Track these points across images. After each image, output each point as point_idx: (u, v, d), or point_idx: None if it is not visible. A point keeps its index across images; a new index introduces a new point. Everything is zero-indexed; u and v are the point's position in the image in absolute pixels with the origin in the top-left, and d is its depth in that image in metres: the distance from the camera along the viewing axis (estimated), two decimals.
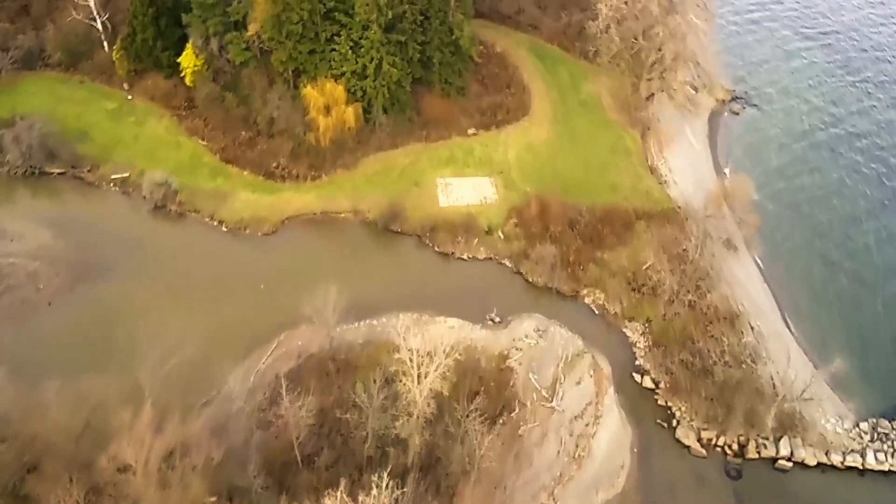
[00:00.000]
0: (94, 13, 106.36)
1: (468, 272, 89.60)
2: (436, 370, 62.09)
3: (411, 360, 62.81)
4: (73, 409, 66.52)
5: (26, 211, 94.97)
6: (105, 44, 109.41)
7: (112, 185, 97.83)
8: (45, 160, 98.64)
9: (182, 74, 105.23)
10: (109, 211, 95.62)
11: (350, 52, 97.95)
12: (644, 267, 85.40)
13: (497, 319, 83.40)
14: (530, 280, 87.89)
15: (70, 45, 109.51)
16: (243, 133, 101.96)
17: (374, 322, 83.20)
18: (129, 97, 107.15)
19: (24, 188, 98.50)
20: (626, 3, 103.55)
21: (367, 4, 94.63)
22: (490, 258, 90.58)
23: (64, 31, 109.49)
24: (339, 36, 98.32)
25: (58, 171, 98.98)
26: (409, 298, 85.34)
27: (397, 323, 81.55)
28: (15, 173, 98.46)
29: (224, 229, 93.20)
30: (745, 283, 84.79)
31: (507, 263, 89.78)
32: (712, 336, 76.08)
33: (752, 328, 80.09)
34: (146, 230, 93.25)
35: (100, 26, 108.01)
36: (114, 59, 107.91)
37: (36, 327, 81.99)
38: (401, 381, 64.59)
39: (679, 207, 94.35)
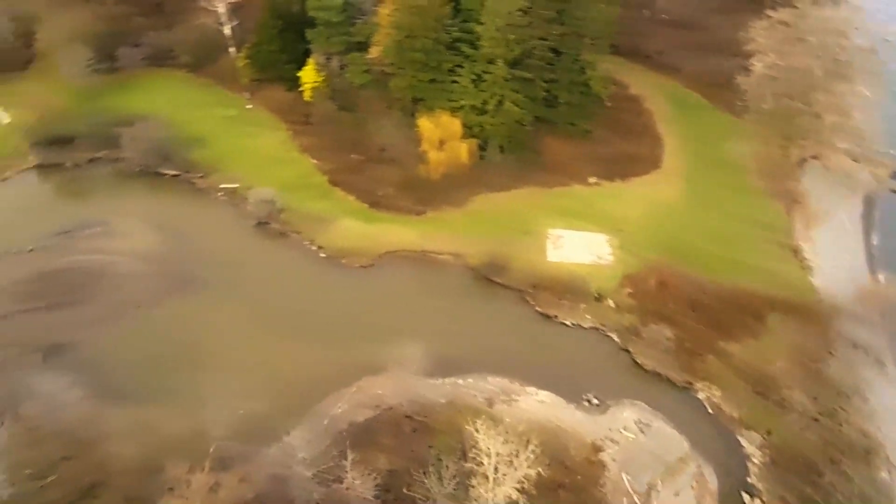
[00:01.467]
0: (224, 19, 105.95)
1: (569, 340, 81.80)
2: (515, 480, 55.41)
3: (488, 461, 56.47)
4: (137, 439, 64.57)
5: (136, 209, 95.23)
6: (231, 50, 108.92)
7: (220, 194, 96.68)
8: (160, 162, 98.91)
9: (302, 89, 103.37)
10: (214, 221, 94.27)
11: (471, 85, 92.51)
12: (773, 369, 75.24)
13: (595, 402, 75.52)
14: (638, 361, 79.05)
15: (198, 48, 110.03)
16: (354, 156, 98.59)
17: (460, 381, 77.22)
18: (249, 106, 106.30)
19: (137, 186, 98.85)
20: (784, 60, 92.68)
21: (494, 38, 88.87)
22: (596, 328, 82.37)
23: (193, 33, 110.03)
24: (461, 68, 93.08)
25: (172, 173, 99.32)
26: (501, 360, 78.70)
27: (484, 387, 76.45)
28: (131, 171, 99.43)
29: (322, 255, 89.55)
30: (890, 411, 73.10)
31: (615, 338, 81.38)
32: (843, 470, 65.27)
33: (891, 468, 68.58)
34: (245, 247, 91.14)
35: (228, 32, 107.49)
36: (238, 66, 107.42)
37: (122, 334, 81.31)
38: (474, 480, 58.34)
39: (822, 301, 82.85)
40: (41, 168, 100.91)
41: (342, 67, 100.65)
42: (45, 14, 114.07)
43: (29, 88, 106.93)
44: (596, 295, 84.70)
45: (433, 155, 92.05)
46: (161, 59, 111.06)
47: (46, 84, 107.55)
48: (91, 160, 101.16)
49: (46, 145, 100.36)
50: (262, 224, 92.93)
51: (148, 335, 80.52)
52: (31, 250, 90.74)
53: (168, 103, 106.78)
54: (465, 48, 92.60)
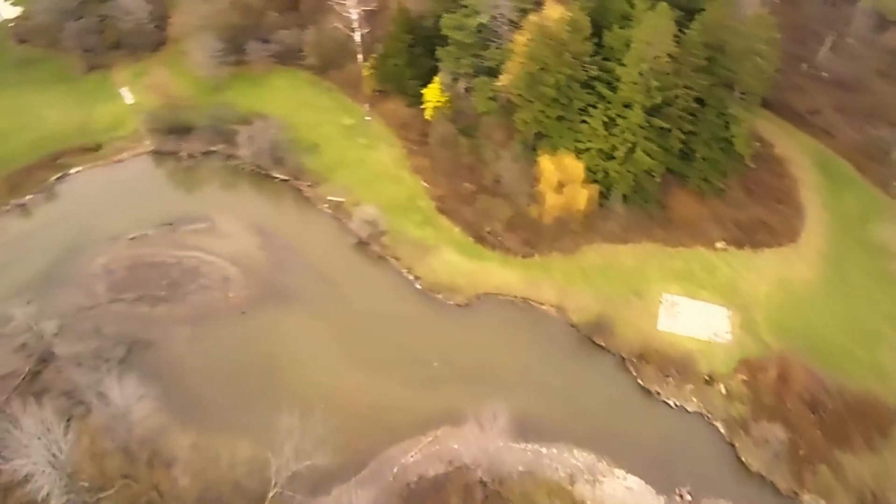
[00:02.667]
0: (355, 25, 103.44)
1: (669, 422, 74.51)
2: None
3: None
4: (197, 468, 62.31)
5: (241, 209, 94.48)
6: (359, 57, 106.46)
7: (326, 206, 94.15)
8: (272, 164, 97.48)
9: (423, 107, 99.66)
10: (314, 233, 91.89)
11: (602, 128, 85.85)
12: (889, 490, 65.93)
13: (687, 497, 68.18)
14: (743, 459, 71.04)
15: (326, 51, 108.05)
16: (466, 185, 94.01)
17: (543, 450, 71.54)
18: (368, 118, 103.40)
19: (246, 186, 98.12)
20: None
21: (635, 82, 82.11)
22: (701, 414, 74.69)
23: (324, 36, 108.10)
24: (594, 108, 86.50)
25: (282, 177, 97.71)
26: (591, 431, 72.76)
27: (569, 460, 70.53)
28: (243, 169, 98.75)
29: (417, 286, 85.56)
30: None
31: (720, 428, 73.47)
32: None
33: None
34: (341, 265, 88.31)
35: (357, 39, 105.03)
36: (363, 74, 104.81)
37: (204, 340, 80.00)
38: None
39: None
40: (156, 154, 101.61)
41: (467, 90, 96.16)
42: None
43: (156, 71, 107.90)
44: (706, 377, 76.98)
45: (550, 197, 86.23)
46: (288, 58, 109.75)
47: (173, 69, 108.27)
48: (206, 153, 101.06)
49: (165, 132, 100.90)
50: (361, 244, 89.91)
51: (229, 344, 79.41)
52: (133, 238, 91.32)
53: (288, 104, 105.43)
54: (602, 88, 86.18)
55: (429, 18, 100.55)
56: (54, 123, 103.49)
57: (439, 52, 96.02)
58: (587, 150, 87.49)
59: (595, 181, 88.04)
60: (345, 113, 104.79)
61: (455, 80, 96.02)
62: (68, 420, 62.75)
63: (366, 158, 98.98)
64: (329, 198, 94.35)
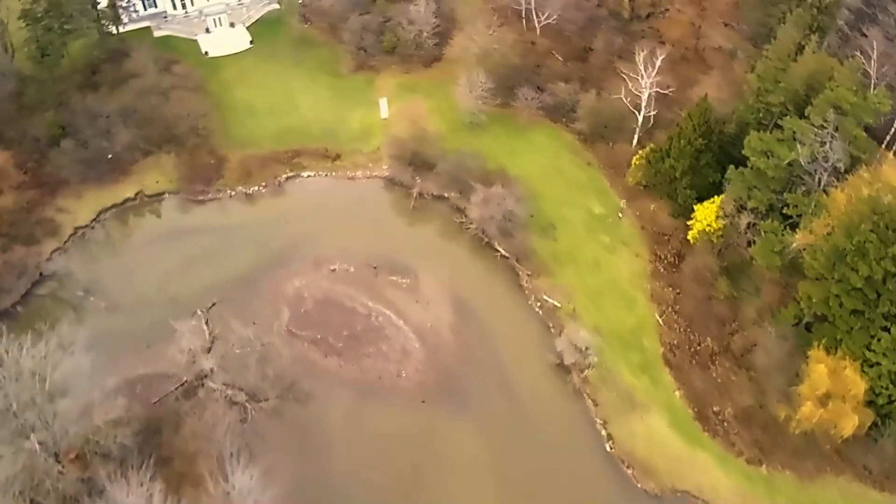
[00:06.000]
0: (643, 103, 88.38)
1: None
2: None
3: None
4: None
5: (448, 275, 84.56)
6: (634, 139, 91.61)
7: (538, 304, 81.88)
8: (498, 234, 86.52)
9: (689, 224, 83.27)
10: (516, 332, 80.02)
11: None
12: None
13: None
14: None
15: (599, 120, 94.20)
16: (708, 340, 77.14)
17: None
18: (620, 214, 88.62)
19: (464, 249, 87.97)
20: None
21: None
22: None
23: (603, 103, 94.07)
24: None
25: (503, 252, 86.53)
26: None
27: None
28: (467, 229, 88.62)
29: (607, 447, 71.24)
30: None
31: None
32: None
33: None
34: (531, 383, 75.94)
35: (639, 120, 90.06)
36: (632, 161, 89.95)
37: (365, 418, 72.38)
38: None
39: None
40: (389, 182, 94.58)
41: (749, 228, 78.31)
42: (468, 19, 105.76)
43: (420, 89, 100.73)
44: None
45: (808, 406, 67.08)
46: (557, 114, 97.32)
47: (434, 93, 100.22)
48: (437, 196, 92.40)
49: (405, 162, 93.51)
50: (561, 367, 76.89)
51: (382, 433, 71.29)
52: (334, 270, 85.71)
53: (540, 167, 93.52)
54: None
55: (731, 125, 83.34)
56: (306, 116, 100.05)
57: (731, 172, 78.74)
58: (877, 364, 67.08)
59: (872, 406, 67.66)
60: (597, 197, 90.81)
61: (739, 210, 78.30)
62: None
63: (602, 262, 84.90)
64: (545, 297, 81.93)
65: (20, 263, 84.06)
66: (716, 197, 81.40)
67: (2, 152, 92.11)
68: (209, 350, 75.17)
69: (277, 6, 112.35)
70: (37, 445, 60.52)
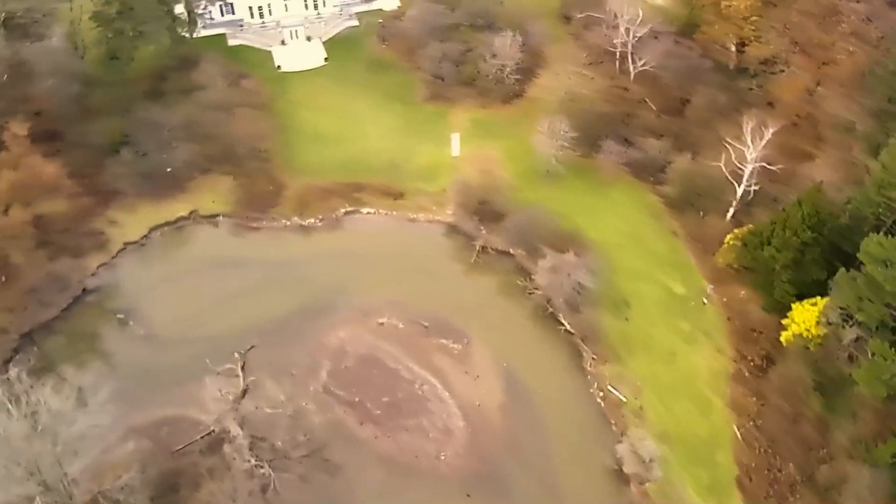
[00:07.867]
0: (744, 179, 78.43)
1: None
2: None
3: None
4: None
5: (503, 346, 76.58)
6: (728, 214, 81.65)
7: (600, 395, 73.19)
8: (564, 307, 78.02)
9: (783, 322, 73.12)
10: (572, 424, 71.20)
11: None
12: None
13: None
14: None
15: (691, 186, 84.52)
16: (790, 467, 66.87)
17: None
18: (705, 300, 78.86)
19: (524, 318, 79.39)
20: None
21: None
22: None
23: (698, 168, 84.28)
24: None
25: (568, 327, 78.01)
26: None
27: None
28: (530, 295, 79.93)
29: None
30: None
31: None
32: None
33: None
34: (583, 488, 66.92)
35: (738, 193, 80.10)
36: (725, 240, 79.95)
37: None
38: None
39: None
40: (451, 229, 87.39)
41: (855, 342, 67.89)
42: (556, 57, 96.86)
43: (496, 128, 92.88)
44: None
45: None
46: (643, 172, 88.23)
47: (510, 133, 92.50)
48: (501, 252, 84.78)
49: (471, 209, 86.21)
50: (618, 474, 68.39)
51: None
52: (382, 323, 79.21)
53: (618, 232, 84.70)
54: None
55: (845, 218, 72.73)
56: (373, 146, 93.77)
57: (841, 275, 68.00)
58: None
59: None
60: (679, 275, 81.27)
61: (845, 320, 67.92)
62: None
63: (678, 354, 75.38)
64: (609, 387, 73.20)
65: (65, 276, 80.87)
66: (818, 298, 70.77)
67: (60, 156, 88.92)
68: (241, 398, 70.52)
69: (356, 24, 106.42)
70: None
